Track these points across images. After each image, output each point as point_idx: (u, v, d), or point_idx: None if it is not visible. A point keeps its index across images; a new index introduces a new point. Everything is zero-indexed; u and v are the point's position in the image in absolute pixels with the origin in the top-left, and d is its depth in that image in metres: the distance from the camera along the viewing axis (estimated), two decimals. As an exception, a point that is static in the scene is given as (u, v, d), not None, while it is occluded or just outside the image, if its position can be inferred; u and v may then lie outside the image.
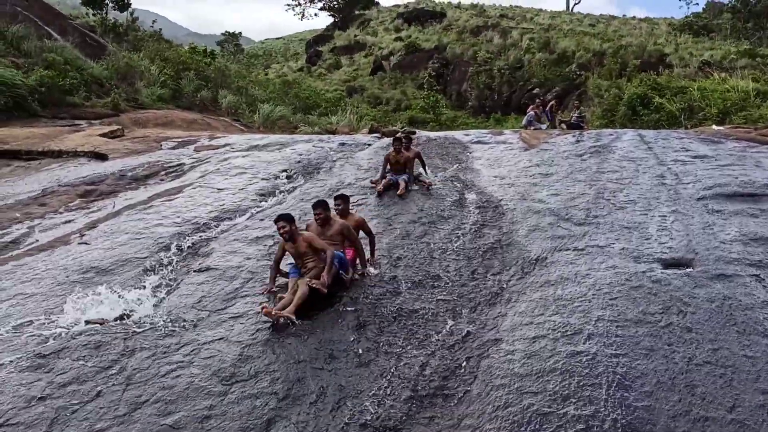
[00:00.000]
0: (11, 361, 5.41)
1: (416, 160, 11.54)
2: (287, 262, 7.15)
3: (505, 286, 7.21)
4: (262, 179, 11.81)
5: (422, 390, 5.21)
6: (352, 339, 5.98)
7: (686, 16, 46.53)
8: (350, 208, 8.26)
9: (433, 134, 17.36)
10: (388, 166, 11.14)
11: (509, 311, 6.55)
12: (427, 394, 5.17)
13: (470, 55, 39.37)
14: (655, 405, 4.76)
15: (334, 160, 13.35)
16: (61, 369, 5.26)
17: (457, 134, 16.68)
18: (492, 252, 8.19)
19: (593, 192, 10.24)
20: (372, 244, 7.98)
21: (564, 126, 18.25)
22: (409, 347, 5.89)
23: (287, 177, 12.07)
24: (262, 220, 9.49)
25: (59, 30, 22.60)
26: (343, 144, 15.12)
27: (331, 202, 7.95)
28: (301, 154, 13.81)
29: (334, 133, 20.54)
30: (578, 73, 32.74)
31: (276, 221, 6.84)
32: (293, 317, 6.14)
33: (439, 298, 6.95)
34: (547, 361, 5.40)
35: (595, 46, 35.45)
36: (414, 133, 16.97)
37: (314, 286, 6.46)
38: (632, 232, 8.42)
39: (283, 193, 11.03)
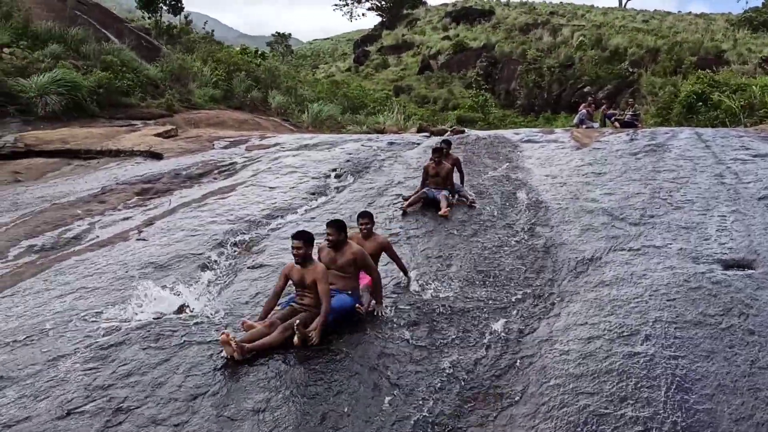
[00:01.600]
0: (75, 352, 5.60)
1: (455, 168, 10.43)
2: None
3: (558, 286, 7.11)
4: (312, 178, 11.93)
5: (475, 389, 5.19)
6: (404, 337, 5.99)
7: (745, 11, 45.00)
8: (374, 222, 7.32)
9: (482, 133, 17.24)
10: (427, 180, 10.00)
11: (562, 311, 6.47)
12: (479, 392, 5.14)
13: (519, 53, 39.01)
14: (716, 408, 4.63)
15: (383, 159, 13.38)
16: (123, 360, 5.42)
17: (507, 133, 16.54)
18: (544, 251, 8.09)
19: (649, 191, 10.02)
20: (402, 268, 7.18)
21: (617, 125, 17.89)
22: (461, 346, 5.87)
23: (336, 176, 12.16)
24: (312, 218, 9.59)
25: (116, 33, 23.27)
26: (391, 143, 15.16)
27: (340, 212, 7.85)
28: (350, 153, 13.89)
29: (382, 132, 20.60)
30: (631, 70, 32.09)
31: (293, 238, 5.92)
32: (241, 355, 5.28)
33: (491, 297, 6.90)
34: (603, 362, 5.31)
35: (649, 42, 34.68)
36: (463, 131, 16.91)
37: (308, 336, 5.55)
38: (690, 232, 8.21)
39: (332, 192, 11.12)
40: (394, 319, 6.33)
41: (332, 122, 23.49)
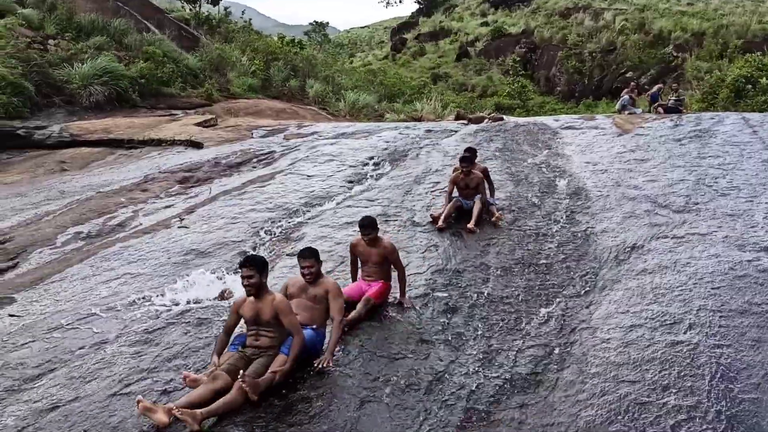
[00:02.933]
0: (121, 336, 5.75)
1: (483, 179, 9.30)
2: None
3: (598, 273, 7.02)
4: (350, 166, 11.97)
5: (513, 375, 5.17)
6: (442, 323, 5.99)
7: (795, -9, 43.39)
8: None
9: (521, 120, 17.05)
10: (455, 192, 8.97)
11: (604, 299, 6.38)
12: (518, 379, 5.12)
13: (559, 38, 38.34)
14: (762, 398, 4.54)
15: (421, 147, 13.34)
16: (167, 344, 5.54)
17: (546, 120, 16.31)
18: (585, 239, 7.98)
19: (693, 178, 9.80)
20: (402, 279, 6.39)
21: (661, 110, 17.49)
22: (499, 333, 5.85)
23: (374, 164, 12.17)
24: (350, 206, 9.62)
25: (157, 24, 23.60)
26: (429, 131, 15.09)
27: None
28: (387, 142, 13.88)
29: (419, 120, 20.52)
30: (675, 54, 31.28)
31: (242, 265, 4.92)
32: (197, 427, 4.25)
33: (530, 284, 6.85)
34: (645, 351, 5.23)
35: (694, 26, 33.70)
36: (501, 119, 16.73)
37: (246, 388, 4.44)
38: (736, 219, 8.01)
39: (370, 180, 11.14)
40: (431, 305, 6.33)
41: (369, 110, 23.47)
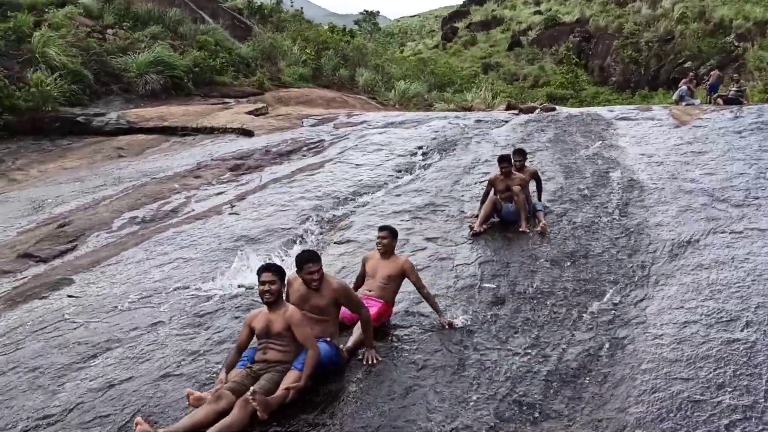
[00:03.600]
0: (173, 319, 5.89)
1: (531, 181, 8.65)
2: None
3: (652, 268, 6.84)
4: (399, 156, 11.96)
5: (561, 370, 5.08)
6: (488, 315, 5.94)
7: None
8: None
9: (573, 110, 16.73)
10: (493, 194, 8.13)
11: (657, 294, 6.22)
12: (566, 374, 5.03)
13: (615, 27, 37.45)
14: (824, 401, 4.35)
15: (470, 137, 13.23)
16: (217, 327, 5.65)
17: (600, 110, 15.96)
18: (638, 233, 7.79)
19: (754, 171, 9.45)
20: (428, 300, 5.70)
21: (720, 101, 16.91)
22: (548, 325, 5.76)
23: (423, 154, 12.13)
24: (398, 195, 9.62)
25: (211, 13, 24.00)
26: (479, 121, 14.95)
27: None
28: (436, 131, 13.82)
29: (469, 110, 20.35)
30: (736, 44, 30.18)
31: (261, 271, 4.60)
32: None
33: (580, 277, 6.72)
34: (699, 348, 5.08)
35: (757, 14, 32.44)
36: (554, 109, 16.46)
37: (256, 406, 4.09)
38: (800, 214, 7.69)
39: (418, 170, 11.11)
40: (477, 297, 6.28)
41: (419, 100, 23.40)
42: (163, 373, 4.96)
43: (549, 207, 8.70)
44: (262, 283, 4.50)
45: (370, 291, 5.60)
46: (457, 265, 7.01)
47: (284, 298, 4.79)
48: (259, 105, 18.45)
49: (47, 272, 7.58)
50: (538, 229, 7.87)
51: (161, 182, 11.00)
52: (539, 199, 8.67)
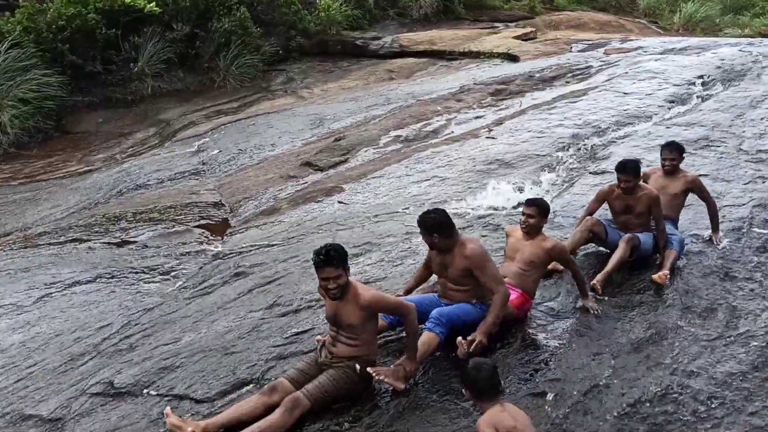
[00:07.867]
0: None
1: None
2: None
3: None
4: (673, 85, 11.02)
5: (731, 388, 4.04)
6: (754, 261, 5.40)
7: None
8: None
9: None
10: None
11: None
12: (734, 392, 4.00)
13: None
14: None
15: (763, 67, 11.65)
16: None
17: None
18: None
19: None
20: (575, 279, 4.68)
21: None
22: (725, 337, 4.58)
23: (702, 83, 11.04)
24: (667, 128, 8.94)
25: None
26: (778, 48, 13.05)
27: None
28: (722, 59, 12.38)
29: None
30: None
31: (319, 265, 3.55)
32: None
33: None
34: None
35: None
36: None
37: (385, 379, 3.64)
38: None
39: (695, 100, 10.16)
40: (743, 240, 5.68)
41: (708, 24, 20.97)
42: (412, 277, 5.41)
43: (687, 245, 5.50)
44: (323, 279, 3.58)
45: (505, 277, 4.38)
46: (726, 206, 6.38)
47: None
48: (528, 29, 18.11)
49: (323, 180, 8.60)
50: (657, 276, 4.91)
51: (425, 104, 11.55)
52: (714, 229, 5.66)
